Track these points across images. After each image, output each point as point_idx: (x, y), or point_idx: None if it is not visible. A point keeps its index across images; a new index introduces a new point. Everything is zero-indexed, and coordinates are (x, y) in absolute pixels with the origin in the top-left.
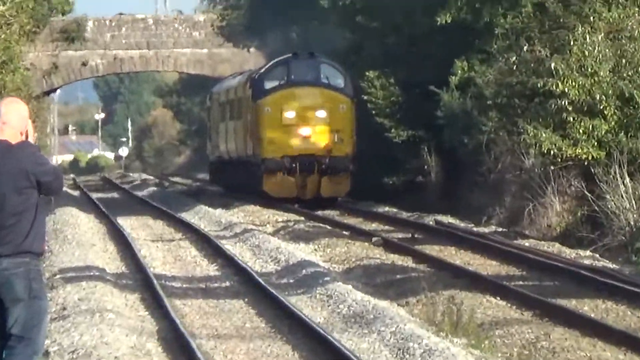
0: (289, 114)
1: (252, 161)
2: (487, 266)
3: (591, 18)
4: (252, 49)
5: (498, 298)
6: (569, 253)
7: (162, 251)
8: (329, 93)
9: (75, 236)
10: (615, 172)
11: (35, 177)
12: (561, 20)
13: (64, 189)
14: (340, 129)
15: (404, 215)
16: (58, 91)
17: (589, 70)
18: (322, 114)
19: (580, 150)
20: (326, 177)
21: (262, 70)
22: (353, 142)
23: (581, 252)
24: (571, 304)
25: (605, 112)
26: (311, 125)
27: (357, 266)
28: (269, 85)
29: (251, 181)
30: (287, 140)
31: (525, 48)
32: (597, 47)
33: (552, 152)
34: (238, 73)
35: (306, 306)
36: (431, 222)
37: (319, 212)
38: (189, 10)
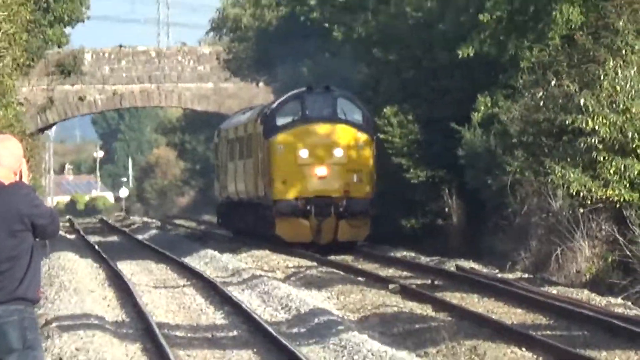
0: (303, 153)
1: (264, 203)
2: (511, 315)
3: (623, 51)
4: (260, 84)
5: (524, 349)
6: (599, 301)
7: (166, 298)
8: (346, 129)
9: (72, 282)
10: None
11: (29, 220)
12: (591, 53)
13: (60, 232)
14: (358, 169)
15: (423, 260)
16: (54, 128)
17: (621, 106)
18: (339, 152)
19: (611, 192)
20: (344, 220)
21: (274, 105)
22: (373, 182)
23: (612, 300)
24: (601, 355)
25: (639, 151)
26: (327, 164)
27: (372, 314)
28: (281, 121)
29: (263, 225)
30: (301, 180)
31: (552, 83)
32: (629, 82)
33: (581, 194)
34: (248, 108)
35: (319, 357)
36: (452, 268)
37: (332, 257)
38: (193, 43)
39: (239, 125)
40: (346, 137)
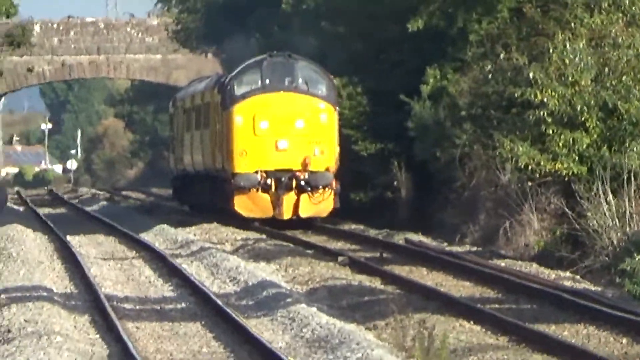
0: (263, 124)
1: (222, 176)
2: (460, 288)
3: (572, 24)
4: (209, 55)
5: (472, 322)
6: (547, 274)
7: (114, 270)
8: (308, 100)
9: (21, 254)
10: (597, 189)
11: None
12: (540, 26)
13: (8, 203)
14: (321, 141)
15: (372, 233)
16: (2, 99)
17: (570, 79)
18: (300, 123)
19: (560, 165)
20: (305, 194)
21: (233, 73)
22: (336, 155)
23: (561, 273)
24: (550, 329)
25: (587, 125)
26: (288, 136)
27: (321, 287)
28: (240, 90)
29: (220, 199)
30: (261, 153)
31: (501, 56)
32: (578, 55)
33: (530, 167)
34: (206, 77)
35: (267, 330)
36: (401, 241)
37: (281, 230)
38: (141, 14)
39: (195, 94)
40: (308, 108)
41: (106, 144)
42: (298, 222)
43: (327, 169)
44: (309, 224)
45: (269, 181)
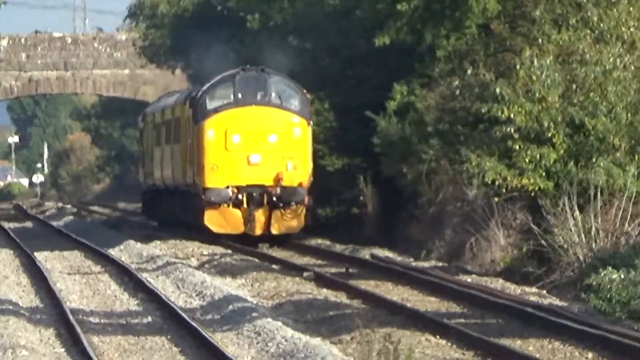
0: (235, 138)
1: (192, 191)
2: (426, 303)
3: (539, 40)
4: (177, 71)
5: (438, 337)
6: (513, 289)
7: (80, 284)
8: (281, 113)
9: None
10: (564, 205)
11: None
12: (507, 42)
13: None
14: (293, 156)
15: (338, 248)
16: None
17: (537, 95)
18: (273, 138)
19: (526, 181)
20: (277, 210)
21: (205, 87)
22: (309, 170)
23: (527, 289)
24: (516, 343)
25: (554, 140)
26: (260, 151)
27: (287, 302)
28: (212, 104)
29: (191, 214)
30: (232, 167)
31: (469, 72)
32: (545, 71)
33: (496, 183)
34: (176, 91)
35: (233, 344)
36: (367, 256)
37: (247, 246)
38: (110, 29)
39: (166, 109)
40: (281, 122)
41: (73, 159)
42: (269, 238)
43: (300, 185)
44: (286, 242)
45: (240, 196)
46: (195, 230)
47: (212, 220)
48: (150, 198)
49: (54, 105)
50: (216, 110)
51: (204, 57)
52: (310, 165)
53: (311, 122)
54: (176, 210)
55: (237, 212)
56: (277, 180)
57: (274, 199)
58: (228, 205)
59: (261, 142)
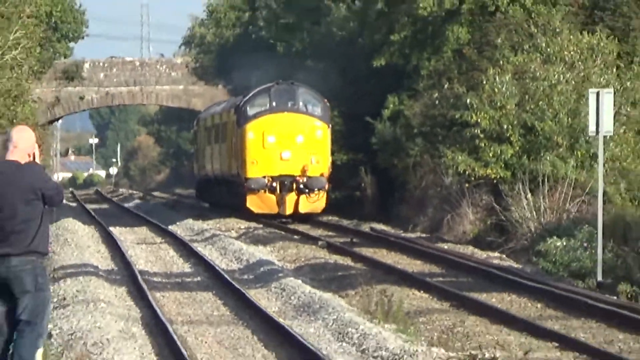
0: (271, 139)
1: (237, 180)
2: (413, 265)
3: (500, 62)
4: (220, 86)
5: (422, 291)
6: (480, 254)
7: (146, 252)
8: (307, 118)
9: (74, 240)
10: (519, 189)
11: (40, 191)
12: (476, 63)
13: (64, 201)
14: (316, 152)
15: (345, 223)
16: (60, 120)
17: (498, 104)
18: (300, 138)
19: (490, 171)
20: (303, 195)
21: (246, 97)
22: (328, 163)
23: (491, 254)
24: (482, 296)
25: (511, 139)
26: (290, 148)
27: (305, 265)
28: (252, 111)
29: (235, 198)
30: (268, 161)
31: (445, 86)
32: (505, 86)
33: (466, 172)
34: (223, 101)
35: (263, 297)
36: (367, 229)
37: (275, 221)
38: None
39: (215, 115)
40: (306, 125)
41: (140, 155)
42: (297, 217)
43: (322, 175)
44: (306, 218)
45: (274, 184)
46: (238, 211)
47: (253, 203)
48: (203, 186)
49: (126, 114)
50: (255, 116)
51: (240, 76)
52: (330, 159)
53: (330, 125)
54: (223, 195)
55: (272, 197)
56: (304, 171)
57: (301, 186)
58: (265, 191)
59: (291, 141)
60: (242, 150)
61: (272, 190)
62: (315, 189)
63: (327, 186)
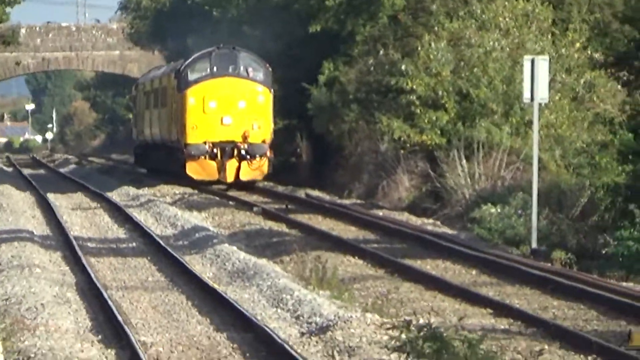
0: (212, 104)
1: (176, 146)
2: (347, 231)
3: (436, 28)
4: (155, 52)
5: (356, 257)
6: (415, 221)
7: (81, 217)
8: (248, 84)
9: (9, 205)
10: (454, 155)
11: None
12: (411, 29)
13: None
14: (258, 118)
15: (280, 189)
16: None
17: (434, 71)
18: (242, 104)
19: (425, 137)
20: (245, 162)
21: (187, 62)
22: (270, 129)
23: (425, 220)
24: (417, 263)
25: (447, 106)
26: (232, 114)
27: (240, 231)
28: (193, 76)
29: (175, 164)
30: (209, 127)
31: (381, 52)
32: (440, 52)
33: (402, 139)
34: (162, 66)
35: (198, 263)
36: (302, 195)
37: (213, 187)
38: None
39: (154, 80)
40: (248, 91)
41: (75, 121)
42: (238, 184)
43: (263, 141)
44: (247, 186)
45: (215, 150)
46: (178, 178)
47: (192, 169)
48: (141, 151)
49: (62, 79)
50: (196, 81)
51: (178, 41)
52: (272, 125)
53: (272, 90)
54: (162, 161)
55: (213, 163)
56: (245, 137)
57: (242, 152)
58: (205, 158)
59: (232, 106)
60: (182, 115)
61: (213, 157)
62: (257, 156)
63: (269, 152)
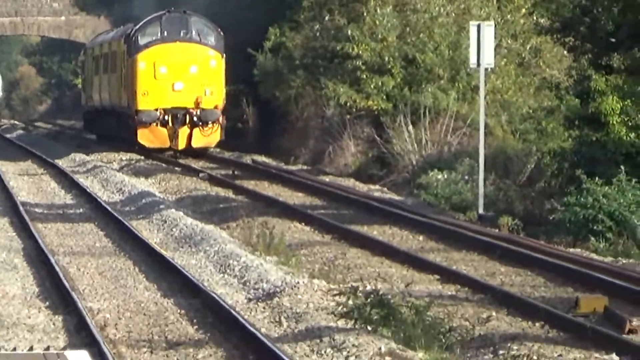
0: (162, 69)
1: (127, 113)
2: (294, 197)
3: None
4: (102, 17)
5: (303, 224)
6: (361, 187)
7: (28, 183)
8: (200, 48)
9: None
10: (400, 121)
11: None
12: None
13: None
14: (210, 83)
15: (227, 155)
16: None
17: (379, 36)
18: (193, 69)
19: (371, 102)
20: (197, 128)
21: (137, 26)
22: (223, 95)
23: (372, 187)
24: (363, 229)
25: (393, 71)
26: (183, 79)
27: (187, 197)
28: (143, 41)
29: (125, 131)
30: (160, 93)
31: (326, 18)
32: (386, 18)
33: (348, 104)
34: (111, 30)
35: (145, 229)
36: (249, 161)
37: (162, 154)
38: None
39: (104, 44)
40: (200, 56)
41: (22, 86)
42: (190, 152)
43: (216, 107)
44: (200, 153)
45: (166, 117)
46: (128, 144)
47: (144, 137)
48: (90, 117)
49: (7, 44)
50: (146, 46)
51: (123, 6)
52: (224, 90)
53: (224, 55)
54: (112, 127)
55: (164, 130)
56: (197, 103)
57: (195, 119)
58: (157, 125)
59: (184, 72)
60: (133, 81)
61: (164, 124)
62: (209, 122)
63: (221, 119)
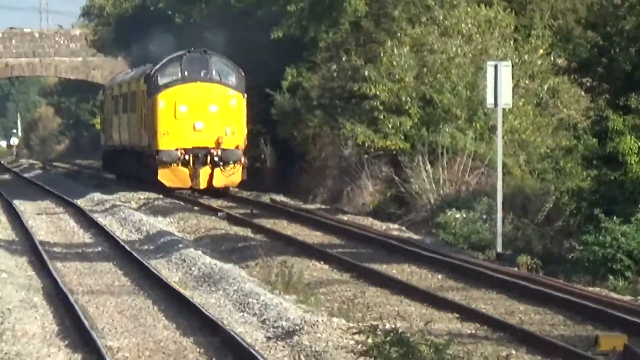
0: (183, 108)
1: (147, 152)
2: (313, 236)
3: (398, 34)
4: (119, 58)
5: (322, 262)
6: (380, 226)
7: (46, 222)
8: (220, 88)
9: None
10: (418, 160)
11: None
12: (373, 35)
13: None
14: (231, 123)
15: (245, 194)
16: None
17: (397, 77)
18: (214, 108)
19: (389, 142)
20: (218, 168)
21: (157, 66)
22: (244, 135)
23: (390, 225)
24: (382, 267)
25: (410, 111)
26: (204, 119)
27: (205, 236)
28: (163, 80)
29: (146, 171)
30: (180, 133)
31: (343, 58)
32: (403, 58)
33: (366, 144)
34: (130, 70)
35: (164, 268)
36: (267, 200)
37: (175, 192)
38: (67, 25)
39: (123, 84)
40: (220, 95)
41: (40, 126)
42: (212, 191)
43: (237, 147)
44: (221, 193)
45: (187, 157)
46: (149, 184)
47: (165, 176)
48: (110, 157)
49: (26, 85)
50: (166, 86)
51: (141, 47)
52: (245, 130)
53: (245, 95)
54: (133, 167)
55: (185, 170)
56: (218, 143)
57: (216, 158)
58: (177, 164)
59: (204, 111)
60: (153, 121)
61: (185, 164)
62: (231, 162)
63: (243, 159)
